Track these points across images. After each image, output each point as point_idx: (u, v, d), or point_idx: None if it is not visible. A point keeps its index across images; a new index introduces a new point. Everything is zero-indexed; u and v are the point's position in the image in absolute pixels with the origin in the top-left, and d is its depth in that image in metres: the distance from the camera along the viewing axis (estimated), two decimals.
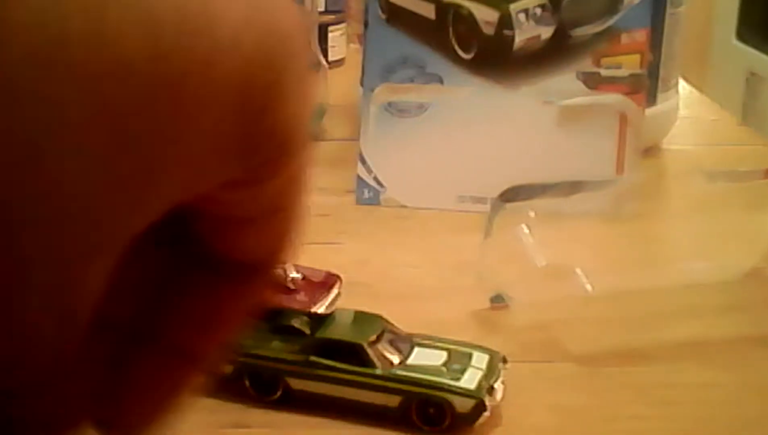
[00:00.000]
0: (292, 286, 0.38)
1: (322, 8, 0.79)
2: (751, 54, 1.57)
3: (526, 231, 0.40)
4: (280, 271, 0.38)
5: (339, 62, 0.81)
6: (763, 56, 1.53)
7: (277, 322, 0.34)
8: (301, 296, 0.38)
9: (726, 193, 0.40)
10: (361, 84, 0.64)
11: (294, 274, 0.39)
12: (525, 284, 0.38)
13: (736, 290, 0.41)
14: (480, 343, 0.34)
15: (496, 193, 0.41)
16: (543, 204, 0.42)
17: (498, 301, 0.40)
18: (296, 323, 0.34)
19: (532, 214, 0.40)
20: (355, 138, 0.57)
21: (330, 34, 0.80)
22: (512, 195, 0.39)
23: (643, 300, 0.39)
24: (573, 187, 0.40)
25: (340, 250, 0.47)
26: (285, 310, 0.35)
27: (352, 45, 0.84)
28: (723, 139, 0.67)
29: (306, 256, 0.35)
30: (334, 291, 0.40)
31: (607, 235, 0.45)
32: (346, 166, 0.56)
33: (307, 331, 0.33)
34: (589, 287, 0.37)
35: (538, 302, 0.37)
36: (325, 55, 0.70)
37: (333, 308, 0.38)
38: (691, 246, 0.43)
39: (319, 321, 0.34)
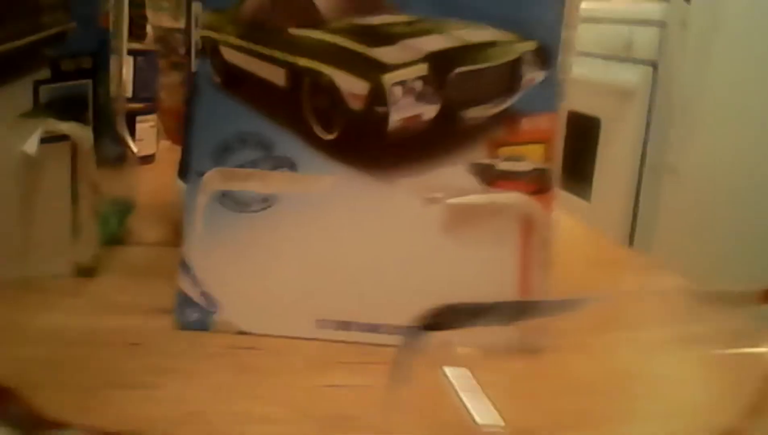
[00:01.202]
0: None
1: (129, 94, 0.65)
2: None
3: (452, 374, 0.28)
4: None
5: (149, 158, 0.67)
6: None
7: None
8: None
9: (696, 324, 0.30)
10: (180, 174, 0.51)
11: None
12: None
13: None
14: None
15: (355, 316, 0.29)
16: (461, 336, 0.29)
17: None
18: None
19: (460, 349, 0.28)
20: (170, 244, 0.43)
21: (138, 125, 0.67)
22: (436, 321, 0.26)
23: None
24: (519, 309, 0.28)
25: (157, 396, 0.32)
26: None
27: (163, 141, 0.72)
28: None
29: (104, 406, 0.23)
30: None
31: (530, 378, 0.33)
32: (160, 278, 0.41)
33: None
34: None
35: None
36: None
37: None
38: (646, 397, 0.32)
39: None
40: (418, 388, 0.27)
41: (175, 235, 0.51)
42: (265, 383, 0.34)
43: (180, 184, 0.55)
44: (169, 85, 0.76)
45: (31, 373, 0.32)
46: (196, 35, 0.50)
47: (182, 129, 0.72)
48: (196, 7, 0.51)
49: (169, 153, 0.71)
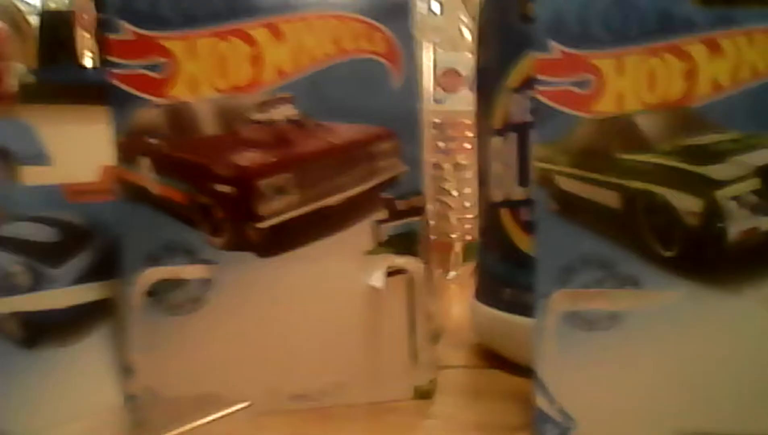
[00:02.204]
0: None
1: None
2: None
3: None
4: None
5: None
6: None
7: None
8: None
9: None
10: (476, 295, 0.53)
11: None
12: None
13: None
14: None
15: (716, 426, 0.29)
16: None
17: None
18: None
19: None
20: (477, 366, 0.50)
21: None
22: None
23: None
24: None
25: None
26: None
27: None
28: None
29: None
30: None
31: None
32: (492, 399, 0.44)
33: None
34: None
35: None
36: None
37: None
38: None
39: None
40: None
41: (477, 356, 0.53)
42: None
43: (476, 305, 0.58)
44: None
45: None
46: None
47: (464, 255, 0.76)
48: (494, 141, 0.55)
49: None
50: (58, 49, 1.50)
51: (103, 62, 0.40)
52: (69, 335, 0.43)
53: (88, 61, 1.70)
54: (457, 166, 0.83)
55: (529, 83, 0.47)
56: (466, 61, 0.82)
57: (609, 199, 0.43)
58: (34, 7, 1.93)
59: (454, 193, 0.83)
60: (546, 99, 0.43)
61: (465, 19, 0.85)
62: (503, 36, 0.54)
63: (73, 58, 1.62)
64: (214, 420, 0.35)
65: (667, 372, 0.41)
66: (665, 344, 0.41)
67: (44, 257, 0.43)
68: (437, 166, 0.82)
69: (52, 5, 1.70)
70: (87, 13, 1.69)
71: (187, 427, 0.34)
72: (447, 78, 0.80)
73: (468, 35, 0.84)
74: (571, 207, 0.44)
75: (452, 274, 0.83)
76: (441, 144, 0.81)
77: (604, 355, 0.42)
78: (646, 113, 0.43)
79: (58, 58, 1.51)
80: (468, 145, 0.83)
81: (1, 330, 0.40)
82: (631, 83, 0.43)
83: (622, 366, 0.42)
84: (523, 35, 0.51)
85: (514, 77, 0.53)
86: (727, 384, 0.41)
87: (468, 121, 0.81)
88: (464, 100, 0.81)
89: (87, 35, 1.69)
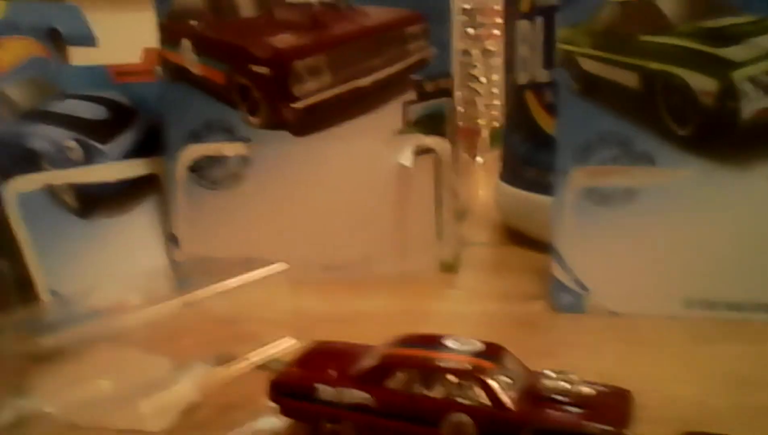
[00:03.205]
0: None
1: None
2: None
3: None
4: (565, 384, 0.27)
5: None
6: None
7: None
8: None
9: None
10: (501, 177, 0.56)
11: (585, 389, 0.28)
12: None
13: None
14: None
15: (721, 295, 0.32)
16: None
17: None
18: None
19: None
20: (499, 243, 0.54)
21: None
22: None
23: None
24: None
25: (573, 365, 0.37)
26: None
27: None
28: None
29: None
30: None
31: None
32: (511, 272, 0.50)
33: None
34: None
35: None
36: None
37: None
38: None
39: None
40: None
41: (500, 234, 0.56)
42: (658, 353, 0.38)
43: (500, 185, 0.61)
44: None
45: None
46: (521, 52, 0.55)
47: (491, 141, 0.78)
48: (522, 24, 0.56)
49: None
50: None
51: None
52: (118, 206, 0.46)
53: None
54: (486, 53, 0.84)
55: None
56: None
57: (628, 79, 0.45)
58: None
59: (483, 79, 0.85)
60: None
61: None
62: None
63: None
64: (251, 280, 0.38)
65: (677, 245, 0.44)
66: (677, 219, 0.44)
67: (94, 133, 0.46)
68: (466, 52, 0.83)
69: None
70: None
71: (227, 283, 0.37)
72: None
73: None
74: (591, 87, 0.46)
75: (479, 159, 0.86)
76: (470, 30, 0.82)
77: (619, 229, 0.44)
78: None
79: None
80: (497, 32, 0.84)
81: (57, 200, 0.44)
82: None
83: (635, 239, 0.44)
84: None
85: None
86: (734, 255, 0.43)
87: (497, 8, 0.82)
88: None
89: None
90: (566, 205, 0.45)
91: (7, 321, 0.34)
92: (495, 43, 0.84)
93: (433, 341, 0.29)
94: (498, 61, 0.85)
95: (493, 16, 0.83)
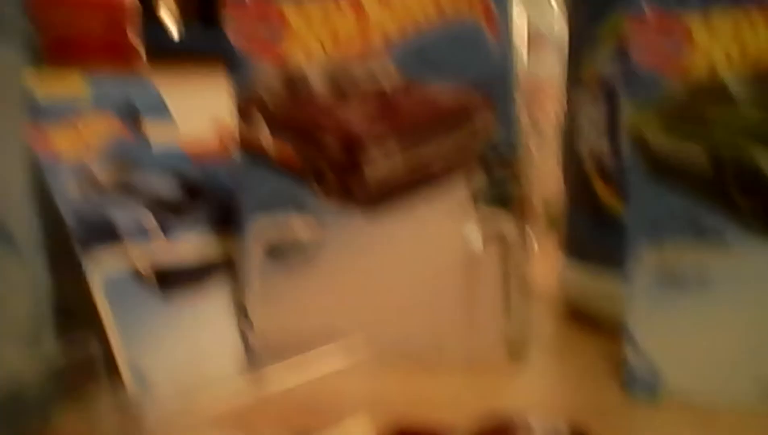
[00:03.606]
0: None
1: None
2: None
3: None
4: None
5: None
6: None
7: None
8: None
9: None
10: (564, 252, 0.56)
11: None
12: None
13: None
14: None
15: None
16: None
17: None
18: None
19: None
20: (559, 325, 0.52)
21: None
22: None
23: None
24: None
25: None
26: None
27: None
28: None
29: None
30: None
31: None
32: (580, 356, 0.49)
33: None
34: None
35: None
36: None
37: None
38: None
39: None
40: None
41: (565, 314, 0.56)
42: None
43: (563, 261, 0.60)
44: None
45: None
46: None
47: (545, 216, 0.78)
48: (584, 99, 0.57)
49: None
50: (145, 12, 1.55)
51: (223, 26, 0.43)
52: (193, 283, 0.47)
53: (170, 24, 1.75)
54: (540, 126, 0.85)
55: (620, 44, 0.49)
56: (550, 24, 0.84)
57: (698, 159, 0.45)
58: None
59: (536, 153, 0.85)
60: (638, 60, 0.45)
61: None
62: None
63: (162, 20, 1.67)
64: (324, 359, 0.39)
65: (756, 330, 0.43)
66: (751, 302, 0.44)
67: (171, 210, 0.47)
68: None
69: None
70: None
71: (300, 362, 0.37)
72: (532, 40, 0.81)
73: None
74: (661, 166, 0.46)
75: (534, 231, 0.86)
76: (525, 104, 0.83)
77: (694, 312, 0.44)
78: (735, 75, 0.44)
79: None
80: (550, 106, 0.85)
81: (135, 277, 0.45)
82: (722, 46, 0.44)
83: (711, 323, 0.44)
84: None
85: (606, 38, 0.55)
86: None
87: (551, 82, 0.83)
88: (548, 62, 0.83)
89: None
90: (639, 287, 0.45)
91: (98, 399, 0.34)
92: (549, 117, 0.84)
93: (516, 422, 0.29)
94: (552, 134, 0.86)
95: (547, 90, 0.84)
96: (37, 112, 0.44)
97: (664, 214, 0.45)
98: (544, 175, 0.83)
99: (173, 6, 1.75)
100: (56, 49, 0.57)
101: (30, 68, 0.42)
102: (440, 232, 0.49)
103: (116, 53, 0.58)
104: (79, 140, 0.47)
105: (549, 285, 0.63)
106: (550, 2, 0.87)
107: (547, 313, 0.61)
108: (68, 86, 0.48)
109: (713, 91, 0.45)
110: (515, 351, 0.51)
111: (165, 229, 0.46)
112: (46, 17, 0.56)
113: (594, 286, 0.56)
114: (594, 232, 0.57)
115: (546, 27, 0.85)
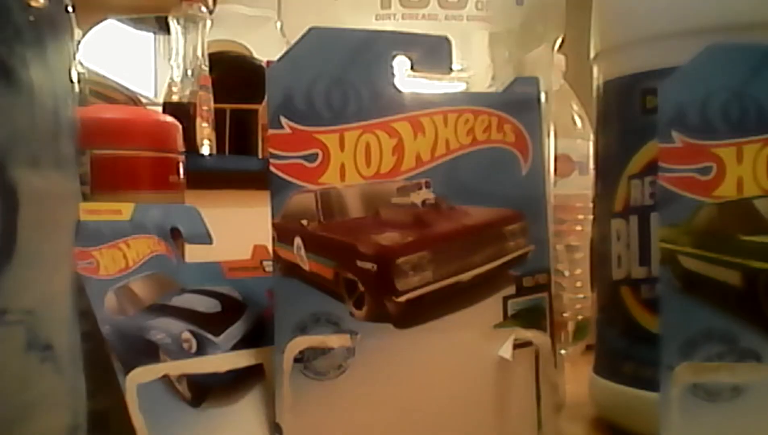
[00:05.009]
0: None
1: None
2: None
3: None
4: None
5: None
6: None
7: None
8: None
9: None
10: (595, 370, 0.56)
11: None
12: None
13: None
14: None
15: None
16: None
17: None
18: None
19: None
20: None
21: None
22: None
23: None
24: None
25: None
26: None
27: None
28: None
29: None
30: None
31: None
32: None
33: None
34: None
35: None
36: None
37: None
38: None
39: None
40: None
41: (596, 429, 0.56)
42: None
43: (596, 379, 0.60)
44: None
45: None
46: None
47: (576, 333, 0.78)
48: (615, 223, 0.58)
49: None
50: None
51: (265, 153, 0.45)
52: (227, 396, 0.48)
53: (205, 150, 1.80)
54: (569, 248, 0.86)
55: (650, 169, 0.50)
56: (577, 147, 0.86)
57: (730, 277, 0.46)
58: (151, 99, 2.07)
59: (566, 273, 0.86)
60: (669, 185, 0.46)
61: (576, 108, 0.89)
62: (624, 125, 0.58)
63: (194, 146, 1.72)
64: None
65: None
66: None
67: (208, 326, 0.48)
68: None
69: (175, 98, 1.81)
70: (206, 105, 1.80)
71: None
72: (560, 163, 0.83)
73: (579, 123, 0.88)
74: (693, 285, 0.46)
75: (563, 351, 0.85)
76: (553, 226, 0.85)
77: (727, 426, 0.44)
78: (765, 198, 0.46)
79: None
80: (579, 228, 0.86)
81: (171, 389, 0.45)
82: (750, 171, 0.46)
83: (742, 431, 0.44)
84: (644, 125, 0.55)
85: (636, 163, 0.56)
86: None
87: (579, 205, 0.84)
88: (575, 185, 0.85)
89: (206, 125, 1.79)
90: (672, 401, 0.45)
91: None
92: (578, 238, 0.85)
93: None
94: (581, 255, 0.87)
95: (575, 213, 0.85)
96: (83, 236, 0.46)
97: (696, 330, 0.45)
98: (575, 292, 0.84)
99: (211, 133, 1.81)
100: (103, 176, 0.59)
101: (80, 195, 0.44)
102: (472, 345, 0.50)
103: (161, 178, 0.61)
104: (122, 260, 0.48)
105: (580, 398, 0.63)
106: (578, 128, 0.89)
107: (580, 425, 0.60)
108: (113, 211, 0.50)
109: (743, 213, 0.46)
110: None
111: (202, 342, 0.47)
112: (94, 144, 0.59)
113: (626, 399, 0.56)
114: (627, 348, 0.57)
115: (574, 151, 0.87)
